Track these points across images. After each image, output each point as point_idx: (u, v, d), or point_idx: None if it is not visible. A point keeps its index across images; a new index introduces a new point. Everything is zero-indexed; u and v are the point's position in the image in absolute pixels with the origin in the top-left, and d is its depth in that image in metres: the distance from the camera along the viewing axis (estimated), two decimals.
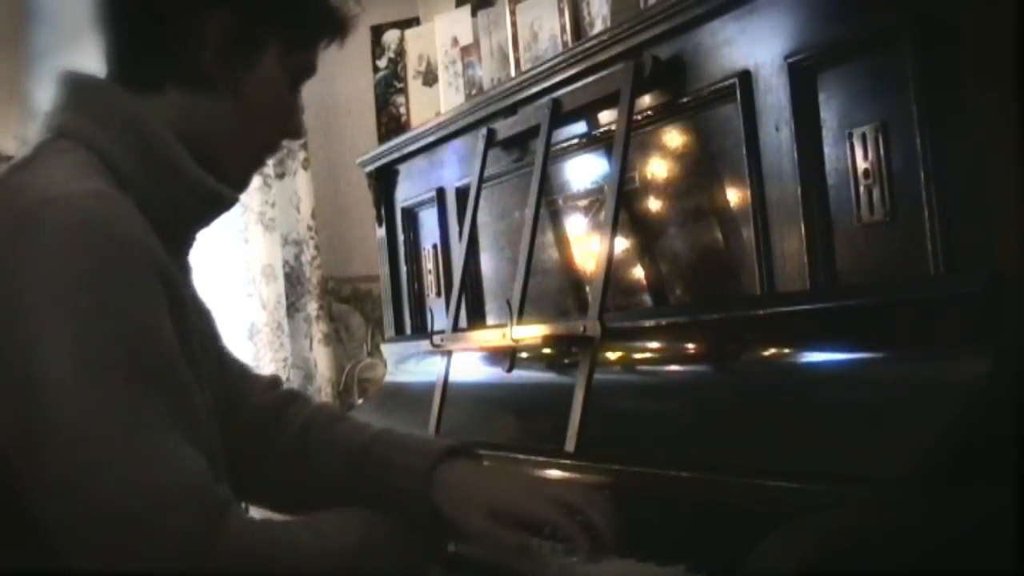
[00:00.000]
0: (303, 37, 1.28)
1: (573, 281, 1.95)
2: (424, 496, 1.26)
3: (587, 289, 1.83)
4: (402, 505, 1.27)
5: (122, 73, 1.23)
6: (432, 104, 2.84)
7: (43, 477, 1.02)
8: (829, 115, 1.39)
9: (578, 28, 2.19)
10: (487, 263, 2.24)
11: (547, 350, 1.84)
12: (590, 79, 1.81)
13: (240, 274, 3.37)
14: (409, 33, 3.04)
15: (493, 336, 1.91)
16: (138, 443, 1.01)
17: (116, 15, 1.24)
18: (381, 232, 2.66)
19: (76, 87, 1.22)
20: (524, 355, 1.88)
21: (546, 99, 1.90)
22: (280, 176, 3.38)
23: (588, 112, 1.84)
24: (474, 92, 2.54)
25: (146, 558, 0.99)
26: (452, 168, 2.33)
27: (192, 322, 1.16)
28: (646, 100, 1.68)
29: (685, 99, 1.62)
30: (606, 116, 1.80)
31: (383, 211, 2.64)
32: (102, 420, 1.01)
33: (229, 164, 1.26)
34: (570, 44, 2.13)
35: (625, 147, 1.64)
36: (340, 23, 1.31)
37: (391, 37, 3.33)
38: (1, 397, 1.03)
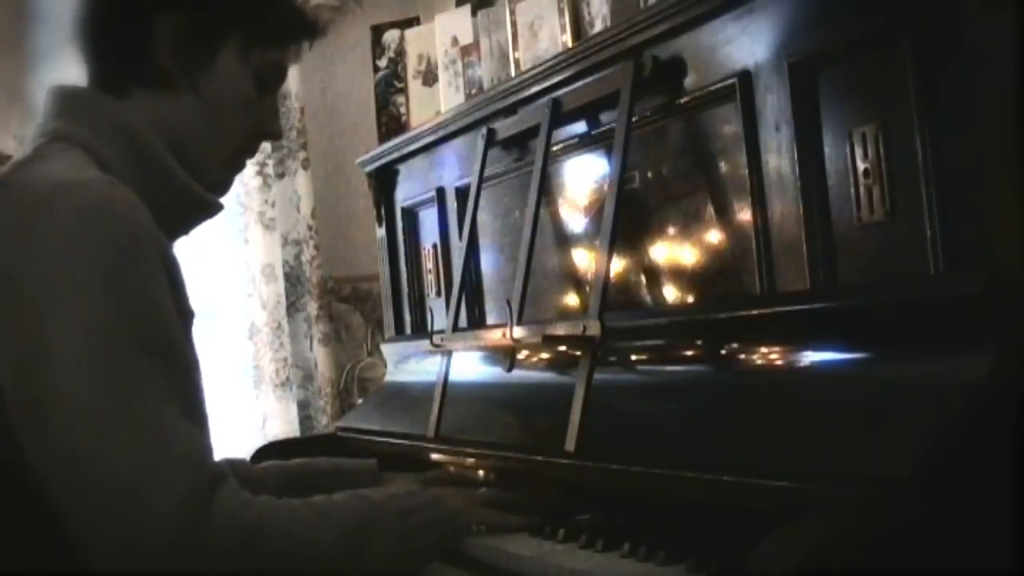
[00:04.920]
0: (262, 37, 1.31)
1: (573, 281, 1.95)
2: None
3: (587, 289, 1.83)
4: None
5: (99, 81, 1.27)
6: (432, 104, 2.84)
7: (47, 443, 1.05)
8: (829, 115, 1.39)
9: (578, 28, 2.19)
10: (487, 263, 2.24)
11: (547, 350, 1.84)
12: (590, 79, 1.81)
13: (240, 274, 3.37)
14: (409, 33, 3.04)
15: (493, 336, 1.91)
16: (139, 413, 1.05)
17: (84, 27, 1.28)
18: (381, 232, 2.66)
19: (67, 98, 1.26)
20: (524, 355, 1.88)
21: (546, 99, 1.90)
22: (280, 176, 3.38)
23: (588, 112, 1.84)
24: (474, 92, 2.54)
25: (141, 523, 1.02)
26: (452, 168, 2.33)
27: (188, 310, 1.19)
28: (646, 100, 1.68)
29: (685, 99, 1.62)
30: (606, 116, 1.80)
31: (383, 211, 2.64)
32: (106, 389, 1.05)
33: (203, 166, 1.29)
34: (570, 44, 2.13)
35: (625, 147, 1.64)
36: (304, 24, 1.33)
37: (391, 37, 3.33)
38: (13, 368, 1.07)
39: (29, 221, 1.09)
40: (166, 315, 1.12)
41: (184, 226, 1.31)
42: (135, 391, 1.05)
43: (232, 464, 1.55)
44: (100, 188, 1.12)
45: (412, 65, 2.97)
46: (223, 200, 1.35)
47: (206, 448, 1.10)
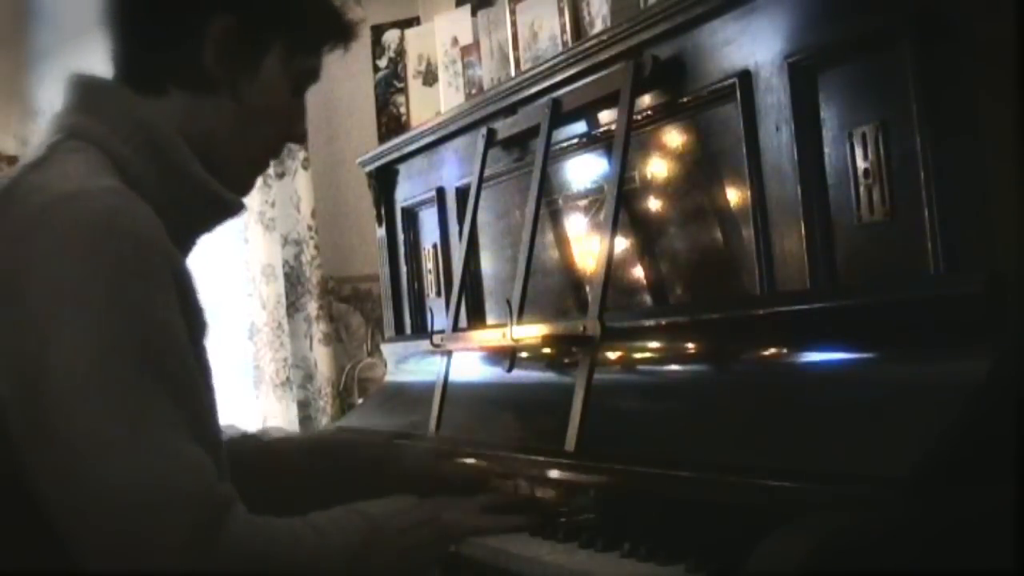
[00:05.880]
0: (305, 42, 1.30)
1: (573, 281, 1.95)
2: (393, 455, 1.50)
3: (587, 289, 1.83)
4: (373, 473, 1.46)
5: (129, 75, 1.25)
6: (432, 104, 2.84)
7: (52, 468, 1.03)
8: (829, 115, 1.39)
9: (578, 28, 2.19)
10: (487, 263, 2.24)
11: (547, 350, 1.84)
12: (590, 79, 1.81)
13: (240, 274, 3.37)
14: (409, 33, 3.04)
15: (493, 336, 1.91)
16: (145, 437, 1.03)
17: (123, 17, 1.26)
18: (381, 232, 2.66)
19: (86, 89, 1.24)
20: (524, 355, 1.88)
21: (546, 99, 1.90)
22: (280, 176, 3.38)
23: (588, 112, 1.84)
24: (474, 92, 2.54)
25: (149, 552, 1.01)
26: (452, 168, 2.33)
27: (201, 321, 1.17)
28: (646, 100, 1.68)
29: (685, 99, 1.62)
30: (606, 116, 1.80)
31: (383, 211, 2.64)
32: (111, 413, 1.02)
33: (231, 166, 1.28)
34: (570, 44, 2.13)
35: (625, 147, 1.64)
36: (343, 29, 1.33)
37: (391, 37, 3.33)
38: (16, 388, 1.05)
39: (32, 233, 1.07)
40: (173, 334, 1.09)
41: (205, 225, 1.28)
42: (141, 417, 1.03)
43: (246, 437, 1.53)
44: (106, 200, 1.09)
45: (412, 65, 2.97)
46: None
47: (214, 473, 1.07)
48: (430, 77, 2.90)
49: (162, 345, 1.07)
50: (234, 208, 1.29)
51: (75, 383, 1.02)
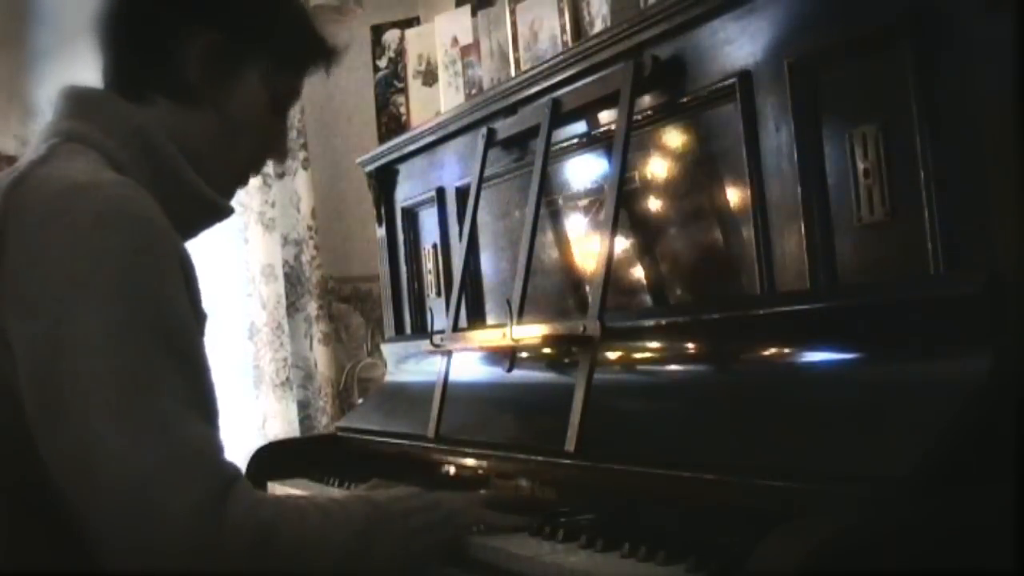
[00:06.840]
0: (286, 61, 1.36)
1: (573, 281, 1.95)
2: None
3: (587, 289, 1.83)
4: None
5: (117, 84, 1.29)
6: (432, 104, 2.84)
7: (63, 443, 1.06)
8: (829, 115, 1.39)
9: (578, 28, 2.19)
10: (487, 263, 2.24)
11: (547, 350, 1.84)
12: (590, 79, 1.81)
13: (240, 274, 3.37)
14: (409, 33, 3.04)
15: (493, 336, 1.91)
16: (155, 413, 1.06)
17: (111, 28, 1.29)
18: (381, 232, 2.66)
19: (79, 98, 1.28)
20: (524, 355, 1.88)
21: (546, 99, 1.90)
22: (280, 176, 3.38)
23: (588, 112, 1.84)
24: (474, 92, 2.54)
25: (156, 524, 1.03)
26: (452, 168, 2.33)
27: (200, 312, 1.20)
28: (646, 100, 1.68)
29: (685, 99, 1.62)
30: (606, 116, 1.80)
31: (383, 211, 2.64)
32: (124, 387, 1.05)
33: (212, 177, 1.32)
34: (570, 44, 2.13)
35: (625, 147, 1.64)
36: (326, 52, 1.38)
37: (391, 37, 3.33)
38: (31, 366, 1.07)
39: (46, 222, 1.10)
40: (183, 315, 1.12)
41: (194, 228, 1.33)
42: (152, 391, 1.06)
43: None
44: (116, 189, 1.13)
45: (412, 65, 2.97)
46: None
47: (221, 449, 1.11)
48: (430, 77, 2.90)
49: (173, 324, 1.10)
50: (224, 213, 1.34)
51: (88, 360, 1.05)
